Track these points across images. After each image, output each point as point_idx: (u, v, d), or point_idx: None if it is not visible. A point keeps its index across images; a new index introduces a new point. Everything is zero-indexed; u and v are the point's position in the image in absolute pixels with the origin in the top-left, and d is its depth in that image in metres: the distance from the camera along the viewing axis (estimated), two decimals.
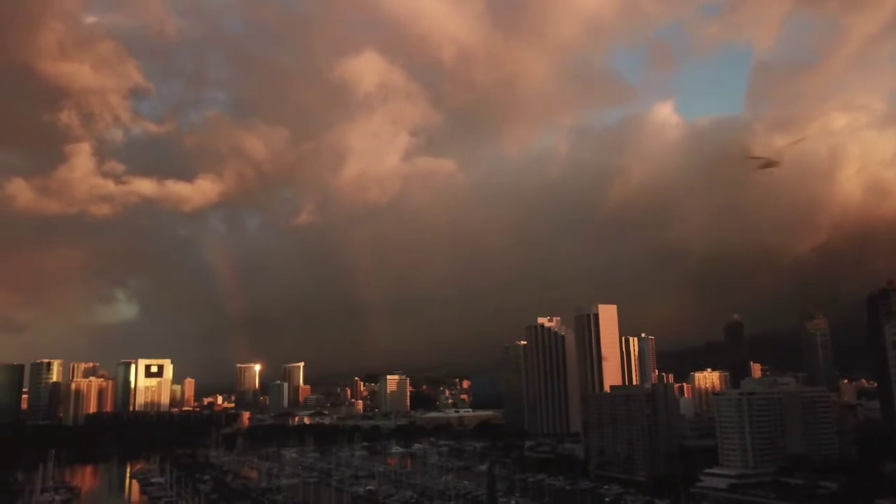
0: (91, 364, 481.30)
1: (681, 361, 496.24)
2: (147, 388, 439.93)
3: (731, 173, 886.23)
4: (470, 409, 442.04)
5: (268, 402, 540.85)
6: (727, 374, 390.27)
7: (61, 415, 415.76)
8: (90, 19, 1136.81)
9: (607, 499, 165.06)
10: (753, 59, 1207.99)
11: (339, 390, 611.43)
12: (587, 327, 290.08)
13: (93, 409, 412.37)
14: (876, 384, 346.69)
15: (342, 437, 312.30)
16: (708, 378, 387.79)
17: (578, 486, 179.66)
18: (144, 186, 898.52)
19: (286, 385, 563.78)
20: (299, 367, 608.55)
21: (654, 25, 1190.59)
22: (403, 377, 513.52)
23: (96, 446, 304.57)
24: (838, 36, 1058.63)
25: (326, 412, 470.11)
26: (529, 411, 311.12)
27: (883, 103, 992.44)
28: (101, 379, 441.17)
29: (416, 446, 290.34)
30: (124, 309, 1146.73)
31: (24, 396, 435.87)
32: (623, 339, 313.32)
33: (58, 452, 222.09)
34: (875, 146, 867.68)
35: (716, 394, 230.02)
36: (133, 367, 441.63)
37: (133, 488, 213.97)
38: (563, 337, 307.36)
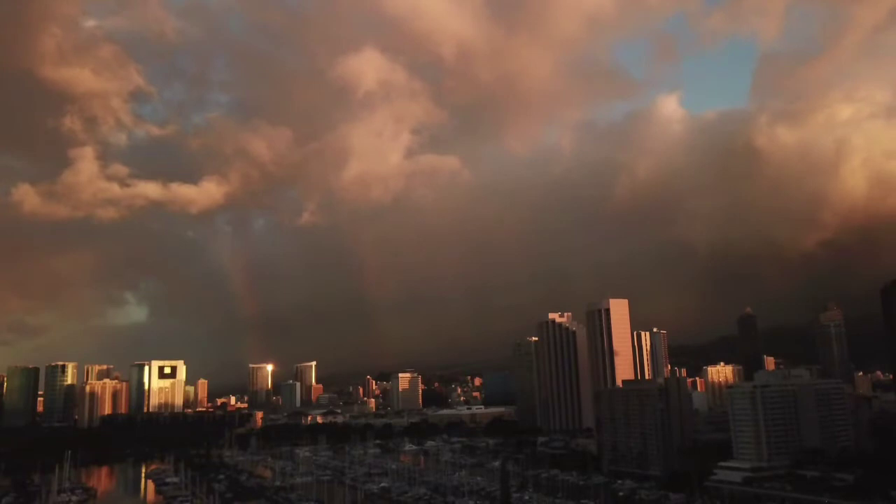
0: (105, 366, 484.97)
1: (693, 356, 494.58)
2: (161, 389, 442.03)
3: (737, 167, 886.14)
4: (482, 406, 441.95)
5: (280, 401, 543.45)
6: (740, 367, 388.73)
7: (76, 417, 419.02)
8: (89, 23, 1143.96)
9: (621, 494, 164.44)
10: (758, 51, 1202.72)
11: (351, 389, 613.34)
12: (598, 322, 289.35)
13: (107, 410, 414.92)
14: (892, 376, 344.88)
15: (355, 435, 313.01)
16: (721, 372, 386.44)
17: (592, 481, 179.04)
18: (150, 189, 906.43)
19: (298, 385, 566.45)
20: (311, 366, 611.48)
21: (656, 18, 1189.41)
22: (415, 375, 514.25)
23: (111, 447, 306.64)
24: (843, 25, 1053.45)
25: (339, 411, 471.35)
26: (542, 407, 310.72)
27: (888, 93, 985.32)
28: (115, 381, 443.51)
29: (429, 444, 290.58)
30: (135, 311, 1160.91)
31: (40, 399, 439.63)
32: (635, 333, 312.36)
33: (73, 454, 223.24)
34: (880, 137, 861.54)
35: (729, 387, 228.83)
36: (146, 368, 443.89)
37: (148, 488, 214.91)
38: (574, 332, 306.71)
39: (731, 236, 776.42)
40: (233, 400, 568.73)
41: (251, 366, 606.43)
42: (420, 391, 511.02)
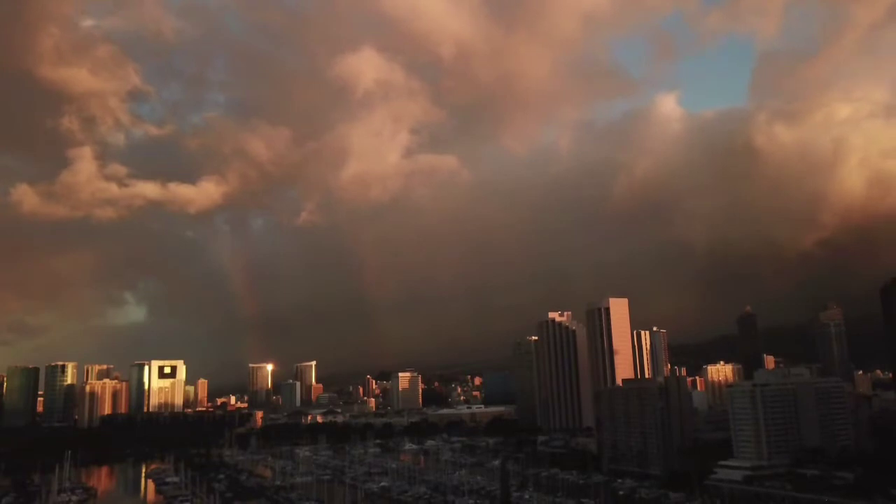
0: (105, 366, 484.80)
1: (693, 355, 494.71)
2: (161, 389, 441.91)
3: (736, 166, 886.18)
4: (482, 406, 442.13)
5: (280, 401, 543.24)
6: (740, 366, 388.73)
7: (76, 417, 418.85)
8: (87, 23, 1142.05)
9: (621, 492, 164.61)
10: (756, 50, 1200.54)
11: (351, 389, 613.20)
12: (598, 321, 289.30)
13: (107, 410, 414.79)
14: (891, 375, 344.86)
15: (355, 434, 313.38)
16: (721, 371, 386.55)
17: (592, 480, 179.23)
18: (148, 189, 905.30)
19: (298, 384, 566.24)
20: (311, 366, 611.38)
21: (654, 16, 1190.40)
22: (415, 375, 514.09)
23: (111, 447, 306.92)
24: (841, 24, 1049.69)
25: (339, 410, 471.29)
26: (542, 406, 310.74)
27: (886, 92, 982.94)
28: (115, 381, 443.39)
29: (429, 443, 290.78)
30: (134, 311, 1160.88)
31: (40, 399, 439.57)
32: (634, 333, 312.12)
33: (73, 454, 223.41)
34: (878, 136, 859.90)
35: (729, 386, 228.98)
36: (146, 368, 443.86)
37: (148, 488, 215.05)
38: (574, 331, 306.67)
39: (731, 236, 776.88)
40: (233, 400, 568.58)
41: (251, 365, 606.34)
42: (420, 391, 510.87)
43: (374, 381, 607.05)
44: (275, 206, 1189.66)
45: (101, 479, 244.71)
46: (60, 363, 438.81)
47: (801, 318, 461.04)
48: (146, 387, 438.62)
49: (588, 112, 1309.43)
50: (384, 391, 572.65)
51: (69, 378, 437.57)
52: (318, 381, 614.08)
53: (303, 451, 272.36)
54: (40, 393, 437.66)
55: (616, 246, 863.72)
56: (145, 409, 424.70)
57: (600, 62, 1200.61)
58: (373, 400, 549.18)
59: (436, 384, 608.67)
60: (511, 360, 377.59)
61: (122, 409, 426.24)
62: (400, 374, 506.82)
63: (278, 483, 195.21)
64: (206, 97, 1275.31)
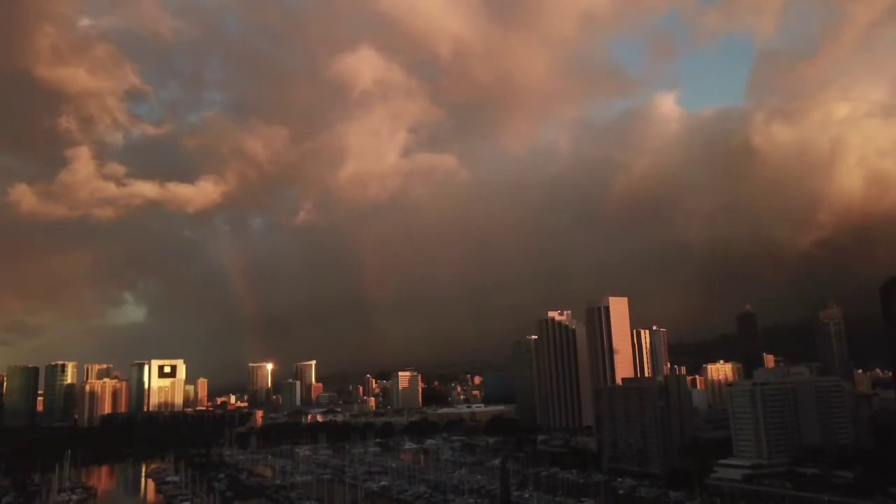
0: (105, 366, 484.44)
1: (693, 354, 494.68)
2: (160, 388, 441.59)
3: (734, 166, 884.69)
4: (482, 405, 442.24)
5: (280, 400, 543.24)
6: (740, 365, 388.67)
7: (76, 416, 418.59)
8: (84, 22, 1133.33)
9: (621, 492, 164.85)
10: (754, 48, 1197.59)
11: (351, 388, 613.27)
12: (598, 320, 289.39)
13: (107, 410, 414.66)
14: (891, 374, 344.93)
15: (355, 434, 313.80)
16: (721, 370, 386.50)
17: (592, 479, 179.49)
18: (146, 189, 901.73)
19: (298, 383, 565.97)
20: (311, 365, 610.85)
21: (652, 15, 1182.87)
22: (415, 374, 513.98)
23: (111, 447, 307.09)
24: (839, 22, 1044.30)
25: (339, 410, 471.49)
26: (541, 405, 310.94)
27: (884, 91, 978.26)
28: (115, 380, 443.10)
29: (429, 442, 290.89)
30: (134, 311, 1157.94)
31: (40, 399, 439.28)
32: (634, 332, 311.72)
33: (73, 453, 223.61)
34: (876, 135, 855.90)
35: (729, 385, 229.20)
36: (146, 367, 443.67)
37: (148, 487, 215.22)
38: (573, 331, 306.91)
39: (730, 236, 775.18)
40: (233, 399, 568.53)
41: (251, 365, 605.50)
42: (420, 390, 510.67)
43: (374, 381, 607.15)
44: (273, 205, 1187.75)
45: (101, 479, 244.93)
46: (60, 363, 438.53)
47: (800, 317, 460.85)
48: (146, 386, 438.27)
49: (587, 111, 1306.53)
50: (384, 390, 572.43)
51: (69, 378, 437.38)
52: (317, 380, 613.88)
53: (303, 451, 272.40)
54: (40, 393, 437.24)
55: (616, 245, 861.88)
56: (145, 409, 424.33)
57: (599, 61, 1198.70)
58: (373, 399, 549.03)
59: (436, 383, 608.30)
60: (511, 360, 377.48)
61: (122, 408, 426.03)
62: (400, 374, 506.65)
63: (278, 482, 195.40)
64: (204, 97, 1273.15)
